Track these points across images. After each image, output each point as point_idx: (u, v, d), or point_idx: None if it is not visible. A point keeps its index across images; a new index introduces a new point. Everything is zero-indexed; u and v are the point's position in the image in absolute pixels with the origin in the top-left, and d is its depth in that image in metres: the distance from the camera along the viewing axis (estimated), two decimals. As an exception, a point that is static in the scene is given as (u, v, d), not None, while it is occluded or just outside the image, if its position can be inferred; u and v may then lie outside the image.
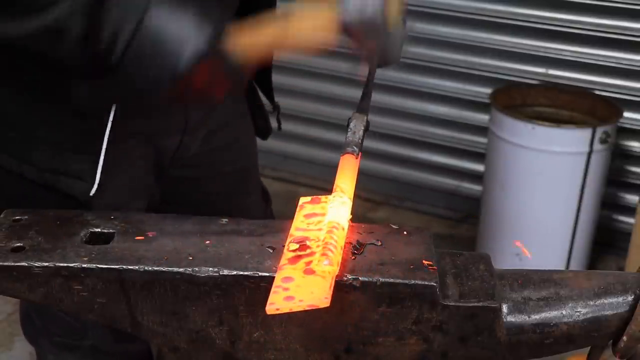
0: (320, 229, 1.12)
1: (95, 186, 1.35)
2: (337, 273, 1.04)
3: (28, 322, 1.74)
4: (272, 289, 1.02)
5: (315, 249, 1.07)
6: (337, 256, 1.06)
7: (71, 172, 1.36)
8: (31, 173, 1.38)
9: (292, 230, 1.14)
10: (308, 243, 1.09)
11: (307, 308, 0.99)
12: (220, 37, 1.15)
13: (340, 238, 1.09)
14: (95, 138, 1.34)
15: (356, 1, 1.12)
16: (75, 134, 1.35)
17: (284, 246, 1.12)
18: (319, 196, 1.22)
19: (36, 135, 1.36)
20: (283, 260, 1.07)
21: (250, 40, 1.18)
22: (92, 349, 1.64)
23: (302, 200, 1.22)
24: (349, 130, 1.34)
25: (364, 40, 1.16)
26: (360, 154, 1.29)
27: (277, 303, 0.99)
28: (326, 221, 1.12)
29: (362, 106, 1.43)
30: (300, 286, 1.01)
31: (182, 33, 1.13)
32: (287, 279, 1.03)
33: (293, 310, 0.99)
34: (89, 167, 1.35)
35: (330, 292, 1.00)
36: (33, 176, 1.38)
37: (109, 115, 1.32)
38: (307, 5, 1.15)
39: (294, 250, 1.08)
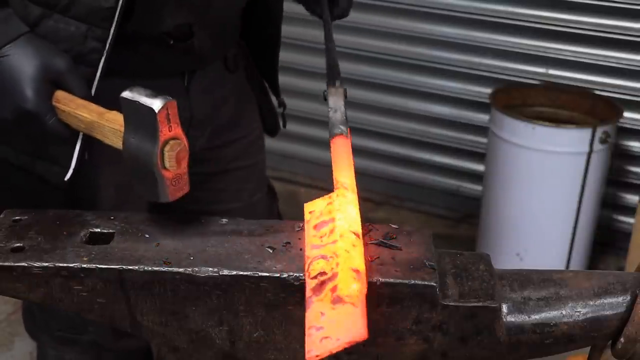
0: (335, 241, 1.06)
1: (71, 171, 1.35)
2: (365, 291, 0.99)
3: (29, 317, 1.75)
4: (306, 332, 0.97)
5: (337, 269, 1.01)
6: (361, 271, 1.01)
7: (47, 156, 1.37)
8: (9, 155, 1.39)
9: (308, 250, 1.08)
10: (327, 263, 1.03)
11: (347, 346, 0.94)
12: (46, 94, 1.22)
13: (358, 246, 1.05)
14: None
15: (133, 142, 1.13)
16: None
17: (284, 246, 1.12)
18: (323, 197, 1.16)
19: None
20: (308, 292, 1.01)
21: (68, 109, 1.23)
22: (92, 344, 1.65)
23: (307, 208, 1.16)
24: (329, 109, 1.28)
25: None
26: (349, 130, 1.24)
27: (315, 349, 0.94)
28: (338, 229, 1.07)
29: (333, 76, 1.35)
30: (333, 321, 0.96)
31: (16, 84, 1.21)
32: (318, 314, 0.97)
33: (334, 352, 0.94)
34: (65, 152, 1.35)
35: (365, 320, 0.95)
36: (12, 159, 1.39)
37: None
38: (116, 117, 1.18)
39: (315, 277, 1.02)
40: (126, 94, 1.12)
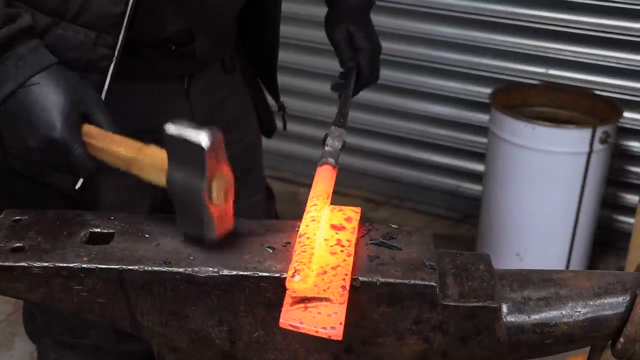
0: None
1: (81, 180, 1.34)
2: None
3: (30, 320, 1.74)
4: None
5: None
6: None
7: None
8: (18, 165, 1.38)
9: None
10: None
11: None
12: (75, 125, 1.20)
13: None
14: None
15: (179, 177, 1.10)
16: None
17: (284, 246, 1.12)
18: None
19: None
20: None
21: (104, 145, 1.20)
22: (93, 348, 1.64)
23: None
24: (326, 145, 1.37)
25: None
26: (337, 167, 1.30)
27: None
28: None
29: (338, 121, 1.48)
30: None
31: (45, 113, 1.19)
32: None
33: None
34: None
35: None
36: (19, 169, 1.39)
37: None
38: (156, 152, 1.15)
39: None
40: (171, 131, 1.09)
